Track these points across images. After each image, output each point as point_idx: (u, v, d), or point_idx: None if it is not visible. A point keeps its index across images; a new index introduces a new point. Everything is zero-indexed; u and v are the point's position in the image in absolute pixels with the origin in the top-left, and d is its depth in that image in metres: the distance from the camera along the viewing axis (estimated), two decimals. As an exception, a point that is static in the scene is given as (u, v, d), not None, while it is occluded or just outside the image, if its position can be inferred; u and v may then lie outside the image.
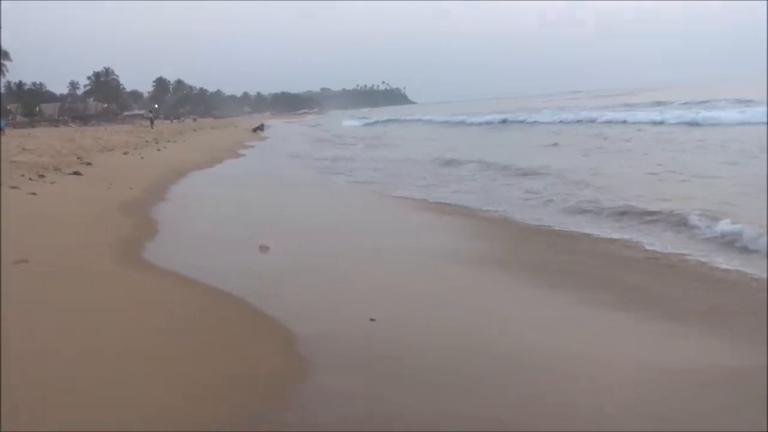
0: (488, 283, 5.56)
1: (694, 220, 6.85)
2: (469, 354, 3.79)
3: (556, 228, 7.60)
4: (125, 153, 20.07)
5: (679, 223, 7.04)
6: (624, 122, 26.54)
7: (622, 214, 7.80)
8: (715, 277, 5.33)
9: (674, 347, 3.99)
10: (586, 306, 4.79)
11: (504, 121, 36.50)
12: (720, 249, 6.08)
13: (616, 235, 6.93)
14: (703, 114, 24.25)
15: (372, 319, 4.28)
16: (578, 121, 30.55)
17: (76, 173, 12.65)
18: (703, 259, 5.81)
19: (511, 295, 5.21)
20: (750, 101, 27.00)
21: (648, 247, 6.40)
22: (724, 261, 5.68)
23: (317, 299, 4.93)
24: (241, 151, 24.67)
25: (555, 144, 20.15)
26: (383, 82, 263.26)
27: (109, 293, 4.96)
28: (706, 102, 31.47)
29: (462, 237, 7.41)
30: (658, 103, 36.23)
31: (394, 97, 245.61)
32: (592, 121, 29.70)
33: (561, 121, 31.55)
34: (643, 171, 11.68)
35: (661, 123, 24.66)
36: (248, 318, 4.45)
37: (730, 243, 6.13)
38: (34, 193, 9.29)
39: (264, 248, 6.55)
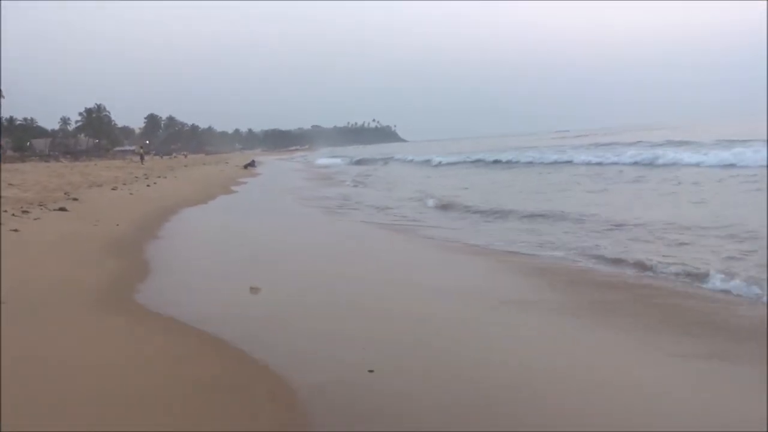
0: (510, 324, 5.26)
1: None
2: (481, 410, 3.48)
3: (584, 268, 7.27)
4: (114, 188, 19.80)
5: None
6: (634, 163, 25.24)
7: (644, 263, 7.19)
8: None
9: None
10: (620, 348, 4.53)
11: (481, 161, 35.70)
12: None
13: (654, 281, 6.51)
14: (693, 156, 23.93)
15: (371, 371, 3.99)
16: (568, 162, 29.96)
17: (62, 209, 12.33)
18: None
19: (534, 339, 4.84)
20: (735, 140, 27.11)
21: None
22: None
23: (314, 346, 4.63)
24: (234, 188, 24.40)
25: (566, 185, 19.51)
26: (374, 120, 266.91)
27: (91, 338, 4.66)
28: (689, 142, 31.45)
29: (478, 276, 7.09)
30: (638, 142, 35.70)
31: (384, 134, 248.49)
32: (572, 162, 29.26)
33: (554, 162, 30.95)
34: (660, 214, 11.10)
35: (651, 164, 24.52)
36: (242, 367, 4.15)
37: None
38: (15, 230, 8.97)
39: (255, 290, 6.27)
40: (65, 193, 16.07)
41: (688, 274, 6.49)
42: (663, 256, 7.44)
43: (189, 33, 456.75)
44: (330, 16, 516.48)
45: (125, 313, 5.46)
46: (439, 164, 37.74)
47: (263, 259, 8.32)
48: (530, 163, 31.33)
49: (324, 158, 63.71)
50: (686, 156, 23.48)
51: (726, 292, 5.89)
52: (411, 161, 44.33)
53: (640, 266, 7.02)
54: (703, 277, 6.32)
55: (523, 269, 7.35)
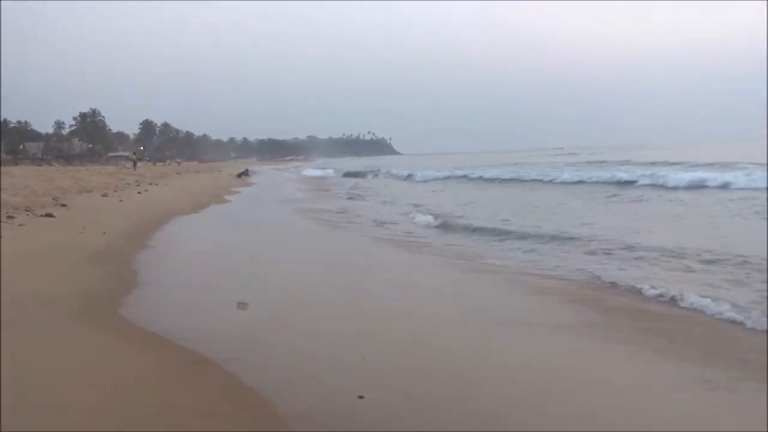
0: (513, 342, 5.14)
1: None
2: None
3: (586, 289, 7.10)
4: (104, 195, 19.49)
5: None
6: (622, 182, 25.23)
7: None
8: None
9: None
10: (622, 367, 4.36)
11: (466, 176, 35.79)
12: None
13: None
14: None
15: (360, 396, 3.79)
16: (548, 181, 29.30)
17: (49, 215, 12.07)
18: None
19: (533, 365, 4.64)
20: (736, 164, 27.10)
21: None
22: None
23: (303, 370, 4.42)
24: (227, 197, 24.18)
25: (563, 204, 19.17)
26: (369, 132, 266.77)
27: (69, 355, 4.45)
28: (682, 163, 31.48)
29: (481, 296, 6.89)
30: (625, 162, 35.53)
31: (379, 147, 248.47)
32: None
33: (539, 180, 30.36)
34: (659, 236, 10.96)
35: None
36: (226, 388, 3.96)
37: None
38: (-1, 236, 8.71)
39: (242, 305, 6.05)
40: (54, 199, 15.77)
41: (692, 302, 6.32)
42: (660, 279, 7.33)
43: (189, 33, 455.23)
44: (330, 17, 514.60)
45: (107, 327, 5.24)
46: (425, 180, 37.82)
47: (255, 273, 8.14)
48: (516, 179, 31.29)
49: (315, 169, 64.01)
50: (682, 176, 23.50)
51: (736, 322, 5.70)
52: (397, 175, 44.65)
53: (641, 290, 6.86)
54: (708, 303, 6.15)
55: (527, 288, 7.22)
